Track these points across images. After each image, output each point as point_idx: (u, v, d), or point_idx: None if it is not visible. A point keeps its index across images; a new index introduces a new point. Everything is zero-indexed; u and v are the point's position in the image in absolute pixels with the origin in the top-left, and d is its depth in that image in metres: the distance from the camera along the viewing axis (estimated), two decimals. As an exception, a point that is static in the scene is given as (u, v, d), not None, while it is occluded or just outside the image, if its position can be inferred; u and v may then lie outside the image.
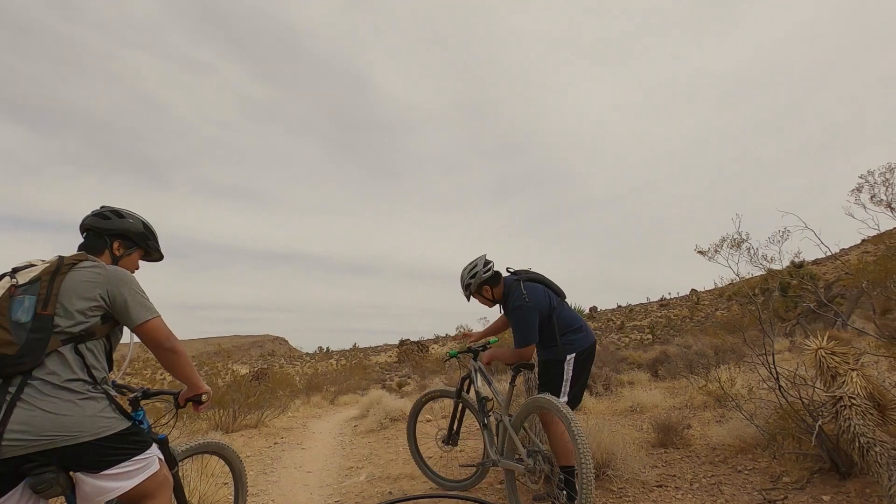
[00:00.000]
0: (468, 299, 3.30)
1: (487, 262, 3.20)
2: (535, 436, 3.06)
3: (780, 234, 3.51)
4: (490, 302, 3.24)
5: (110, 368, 1.79)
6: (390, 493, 3.78)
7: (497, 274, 3.20)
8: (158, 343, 1.79)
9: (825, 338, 2.99)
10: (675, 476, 3.31)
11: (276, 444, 6.45)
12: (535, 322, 2.95)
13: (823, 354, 2.82)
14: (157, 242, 2.09)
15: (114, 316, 1.75)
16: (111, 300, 1.72)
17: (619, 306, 55.11)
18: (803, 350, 3.15)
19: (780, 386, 2.96)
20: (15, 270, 1.65)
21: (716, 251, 3.25)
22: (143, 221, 2.02)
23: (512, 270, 3.26)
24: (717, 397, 4.90)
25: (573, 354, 2.96)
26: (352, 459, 5.22)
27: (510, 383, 3.19)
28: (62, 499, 1.64)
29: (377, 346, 58.36)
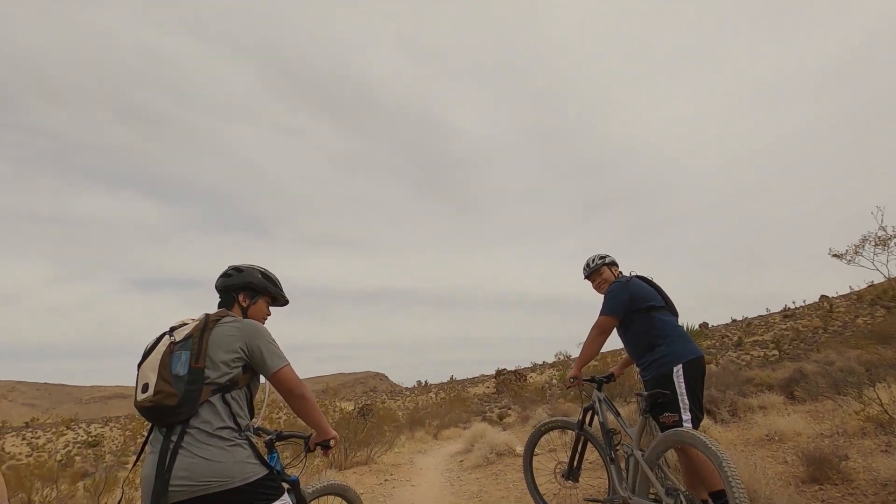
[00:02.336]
0: (585, 277, 3.47)
1: (612, 258, 3.40)
2: (671, 471, 2.79)
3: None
4: (599, 286, 3.35)
5: (251, 416, 1.94)
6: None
7: (616, 266, 3.37)
8: (290, 389, 1.93)
9: None
10: (838, 518, 2.83)
11: (386, 480, 6.55)
12: (623, 297, 3.02)
13: None
14: (277, 287, 2.23)
15: (252, 366, 1.91)
16: (249, 351, 1.88)
17: (734, 320, 49.95)
18: None
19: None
20: (172, 330, 1.87)
21: (856, 252, 2.83)
22: (260, 270, 2.18)
23: (635, 274, 3.30)
24: (878, 423, 4.16)
25: (680, 365, 2.78)
26: (462, 497, 5.13)
27: (641, 414, 2.95)
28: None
29: (474, 378, 57.99)
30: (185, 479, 1.60)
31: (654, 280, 3.26)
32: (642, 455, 2.75)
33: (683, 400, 2.74)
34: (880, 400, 3.39)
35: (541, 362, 46.04)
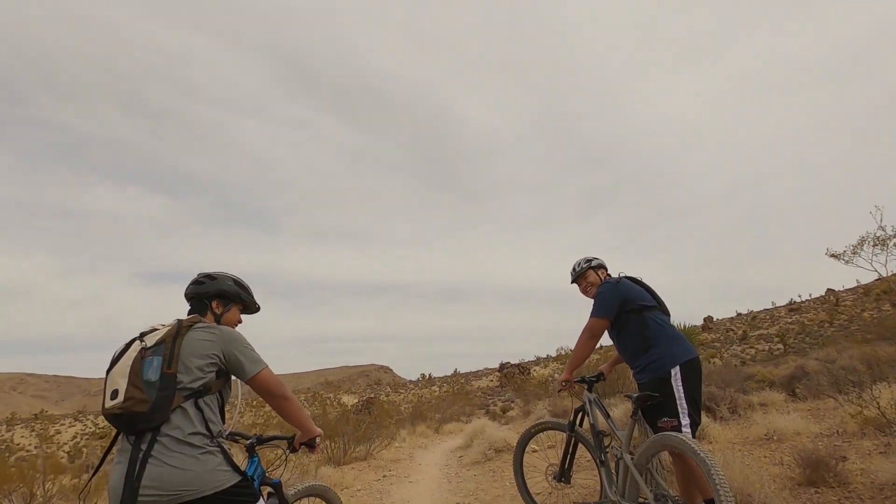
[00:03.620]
0: (572, 282, 3.45)
1: (599, 260, 3.37)
2: (661, 476, 2.75)
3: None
4: (586, 289, 3.32)
5: (223, 422, 1.92)
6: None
7: (603, 269, 3.34)
8: (270, 392, 1.93)
9: None
10: (832, 523, 2.79)
11: (384, 476, 6.56)
12: (614, 298, 2.97)
13: None
14: (250, 295, 2.23)
15: (228, 371, 1.90)
16: (226, 357, 1.88)
17: (739, 314, 49.68)
18: None
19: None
20: (142, 335, 1.84)
21: (854, 252, 2.76)
22: (232, 278, 2.18)
23: (624, 275, 3.24)
24: (876, 424, 4.11)
25: (678, 367, 2.71)
26: (458, 494, 5.12)
27: (632, 416, 2.90)
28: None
29: (478, 371, 58.12)
30: (154, 488, 1.58)
31: (643, 280, 3.20)
32: (632, 458, 2.71)
33: (682, 404, 2.67)
34: (878, 403, 3.32)
35: (544, 356, 46.07)
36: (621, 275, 3.23)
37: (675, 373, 2.71)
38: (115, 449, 1.75)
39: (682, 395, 2.68)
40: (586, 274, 3.30)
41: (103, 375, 1.78)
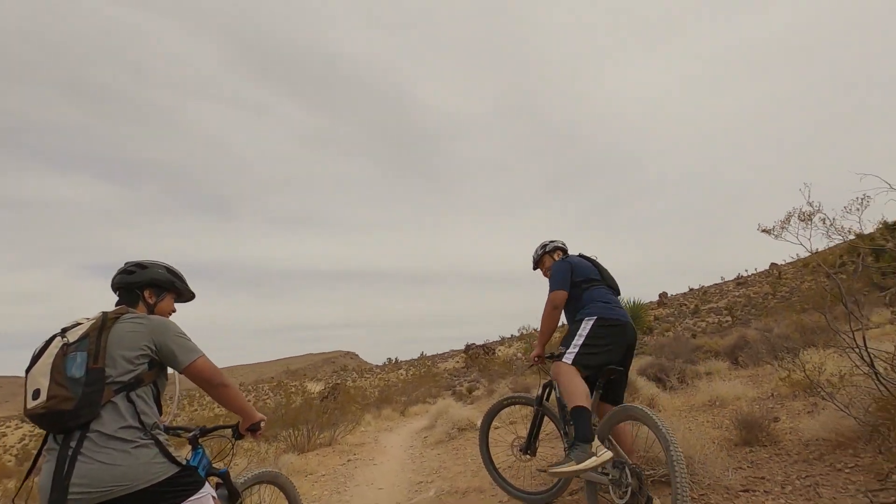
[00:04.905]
0: (533, 269, 3.72)
1: (554, 242, 3.61)
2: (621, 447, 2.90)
3: (860, 200, 3.11)
4: (546, 273, 3.52)
5: (160, 413, 1.87)
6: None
7: (560, 251, 3.57)
8: (207, 380, 1.88)
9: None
10: (763, 478, 3.01)
11: (349, 461, 6.60)
12: (566, 273, 3.19)
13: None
14: (184, 283, 2.18)
15: (161, 361, 1.84)
16: (157, 347, 1.82)
17: (692, 289, 52.09)
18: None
19: (876, 372, 2.62)
20: (64, 331, 1.76)
21: (782, 228, 2.94)
22: (165, 266, 2.11)
23: (578, 254, 3.49)
24: (804, 386, 4.44)
25: (595, 317, 2.97)
26: (421, 474, 5.22)
27: (594, 390, 3.04)
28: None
29: (444, 353, 58.75)
30: (84, 486, 1.53)
31: (596, 259, 3.43)
32: (595, 430, 2.84)
33: (578, 339, 2.91)
34: (803, 366, 3.59)
35: (508, 336, 47.00)
36: (577, 255, 3.46)
37: (590, 319, 2.97)
38: (44, 449, 1.67)
39: (585, 335, 2.91)
40: (543, 259, 3.61)
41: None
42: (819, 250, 3.25)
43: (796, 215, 2.86)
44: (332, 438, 7.92)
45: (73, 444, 1.57)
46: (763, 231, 2.98)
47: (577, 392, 2.76)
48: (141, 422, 1.68)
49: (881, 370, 2.65)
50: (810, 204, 3.17)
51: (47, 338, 1.74)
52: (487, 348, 36.84)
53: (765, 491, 2.85)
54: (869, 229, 2.97)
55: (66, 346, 1.68)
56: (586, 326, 2.96)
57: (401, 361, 61.39)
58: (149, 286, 2.04)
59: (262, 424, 2.21)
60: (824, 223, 3.18)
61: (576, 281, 3.16)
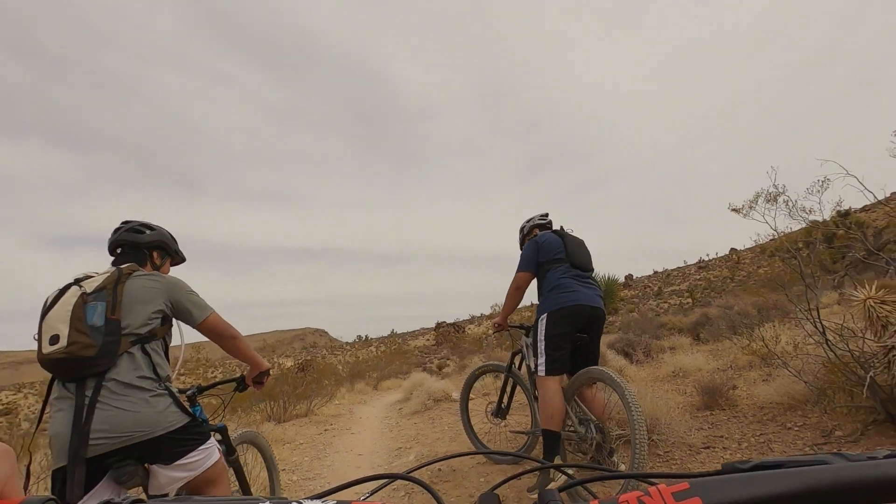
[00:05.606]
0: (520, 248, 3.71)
1: (532, 221, 3.64)
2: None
3: (820, 183, 3.36)
4: None
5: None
6: (440, 469, 3.90)
7: (541, 227, 3.59)
8: (220, 334, 1.99)
9: (874, 287, 2.88)
10: (722, 437, 3.30)
11: (326, 430, 6.71)
12: (532, 254, 3.24)
13: (872, 304, 2.73)
14: (178, 247, 2.24)
15: (176, 318, 1.91)
16: (173, 305, 1.89)
17: (656, 272, 53.89)
18: (851, 302, 3.05)
19: (826, 340, 2.88)
20: (78, 281, 1.77)
21: (750, 207, 3.15)
22: (168, 232, 2.17)
23: (553, 230, 3.50)
24: (762, 356, 4.79)
25: (546, 313, 3.05)
26: (400, 441, 5.39)
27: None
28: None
29: (414, 331, 59.18)
30: (105, 431, 1.58)
31: (573, 233, 3.42)
32: (562, 392, 3.03)
33: (540, 347, 3.02)
34: (763, 337, 3.89)
35: (479, 315, 47.68)
36: (561, 228, 3.48)
37: (542, 318, 3.07)
38: (51, 399, 1.70)
39: (543, 338, 3.02)
40: (529, 237, 3.61)
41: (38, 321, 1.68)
42: (782, 232, 3.49)
43: (763, 196, 3.07)
44: (308, 410, 8.00)
45: (88, 392, 1.61)
46: (733, 210, 3.19)
47: (553, 415, 2.85)
48: (156, 373, 1.74)
49: (831, 339, 2.92)
50: (775, 186, 3.41)
51: (60, 286, 1.75)
52: (458, 326, 37.32)
53: (723, 447, 3.12)
54: (828, 212, 3.22)
55: (84, 294, 1.70)
56: (541, 328, 3.05)
57: (371, 339, 61.55)
58: (157, 248, 2.09)
59: (269, 375, 2.33)
60: (787, 205, 3.42)
61: (540, 262, 3.23)
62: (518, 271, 3.31)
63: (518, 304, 3.45)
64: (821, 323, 2.93)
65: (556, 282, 3.11)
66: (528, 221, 3.68)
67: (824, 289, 9.74)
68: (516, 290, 3.33)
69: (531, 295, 3.49)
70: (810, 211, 3.06)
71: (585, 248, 3.34)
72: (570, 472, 0.75)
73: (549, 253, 3.22)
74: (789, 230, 3.57)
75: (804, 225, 3.55)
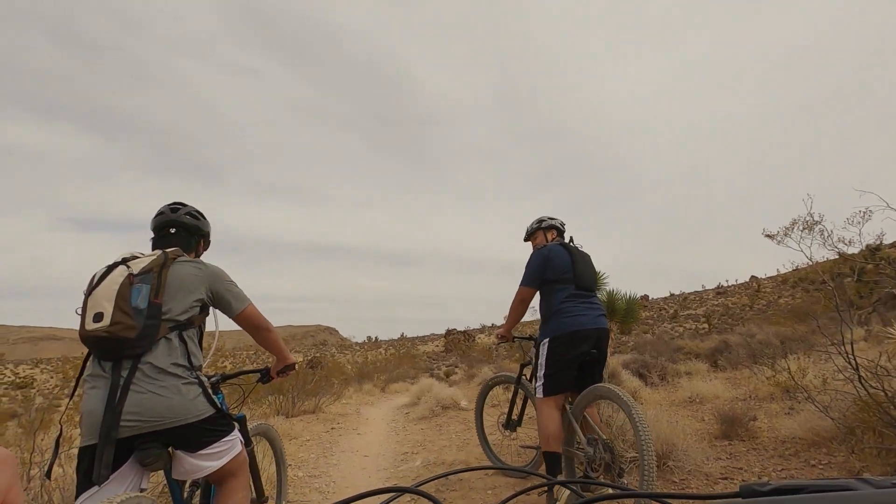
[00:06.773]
0: (524, 240, 3.61)
1: (552, 220, 3.45)
2: (597, 424, 3.03)
3: (861, 214, 3.25)
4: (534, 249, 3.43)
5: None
6: (447, 479, 3.85)
7: (554, 230, 3.42)
8: (256, 325, 2.03)
9: (911, 325, 2.77)
10: (741, 469, 3.19)
11: (332, 429, 6.71)
12: (538, 267, 3.12)
13: (910, 343, 2.62)
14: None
15: (215, 307, 1.94)
16: (213, 294, 1.91)
17: (672, 294, 53.04)
18: (884, 339, 2.94)
19: (860, 376, 2.78)
20: (125, 260, 1.78)
21: (786, 234, 3.06)
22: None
23: (559, 242, 3.30)
24: (785, 388, 4.65)
25: (548, 338, 3.01)
26: (406, 445, 5.34)
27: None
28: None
29: (424, 336, 59.12)
30: (136, 415, 1.57)
31: (581, 248, 3.29)
32: (571, 408, 2.97)
33: (541, 370, 2.99)
34: (789, 368, 3.77)
35: (490, 324, 47.41)
36: (569, 240, 3.35)
37: (545, 342, 3.02)
38: (85, 375, 1.70)
39: (543, 362, 2.99)
40: (535, 234, 3.47)
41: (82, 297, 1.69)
42: (816, 262, 3.39)
43: (800, 223, 2.98)
44: (315, 406, 8.02)
45: (123, 373, 1.61)
46: (767, 236, 3.10)
47: (550, 435, 2.84)
48: (190, 361, 1.74)
49: (864, 375, 2.81)
50: (812, 214, 3.31)
51: (109, 263, 1.76)
52: (468, 334, 37.19)
53: (742, 480, 3.01)
54: (869, 241, 3.11)
55: (131, 275, 1.70)
56: (543, 352, 3.01)
57: (380, 340, 61.66)
58: (204, 238, 2.12)
59: (295, 367, 2.37)
60: (823, 235, 3.32)
61: (548, 279, 3.10)
62: (522, 284, 3.20)
63: (522, 318, 3.38)
64: (854, 358, 2.82)
65: (559, 305, 3.02)
66: (545, 219, 3.45)
67: (851, 324, 9.46)
68: (520, 304, 3.25)
69: (534, 301, 3.44)
70: (849, 242, 2.96)
71: (592, 265, 3.25)
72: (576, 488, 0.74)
73: (556, 272, 3.08)
74: (818, 260, 3.46)
75: (836, 256, 3.44)
